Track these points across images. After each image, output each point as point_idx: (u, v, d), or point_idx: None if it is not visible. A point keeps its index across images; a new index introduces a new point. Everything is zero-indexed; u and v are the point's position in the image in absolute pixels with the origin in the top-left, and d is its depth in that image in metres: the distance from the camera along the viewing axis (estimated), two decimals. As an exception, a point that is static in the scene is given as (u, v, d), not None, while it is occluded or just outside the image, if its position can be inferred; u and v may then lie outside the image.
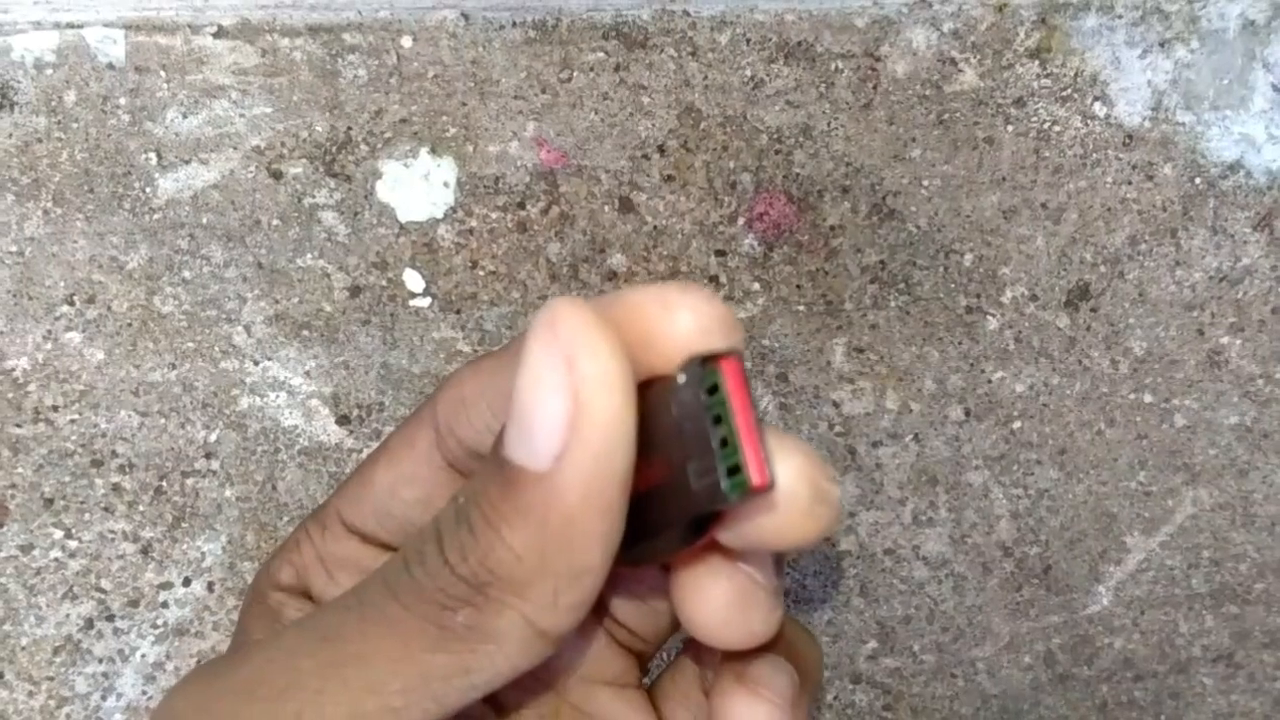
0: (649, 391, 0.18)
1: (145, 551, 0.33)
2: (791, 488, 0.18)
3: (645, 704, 0.24)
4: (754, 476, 0.17)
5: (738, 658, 0.22)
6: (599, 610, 0.24)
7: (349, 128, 0.32)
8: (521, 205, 0.33)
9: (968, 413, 0.34)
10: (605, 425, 0.17)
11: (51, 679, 0.33)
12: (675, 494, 0.18)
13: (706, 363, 0.18)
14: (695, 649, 0.24)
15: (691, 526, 0.19)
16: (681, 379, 0.18)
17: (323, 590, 0.23)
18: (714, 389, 0.17)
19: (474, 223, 0.33)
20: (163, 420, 0.33)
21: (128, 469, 0.33)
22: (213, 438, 0.33)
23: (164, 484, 0.33)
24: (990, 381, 0.34)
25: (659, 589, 0.23)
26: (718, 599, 0.20)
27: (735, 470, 0.17)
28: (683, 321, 0.18)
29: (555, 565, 0.18)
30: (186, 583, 0.33)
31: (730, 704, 0.21)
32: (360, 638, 0.19)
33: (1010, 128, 0.33)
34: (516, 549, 0.18)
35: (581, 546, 0.18)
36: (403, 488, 0.23)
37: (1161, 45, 0.33)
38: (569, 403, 0.17)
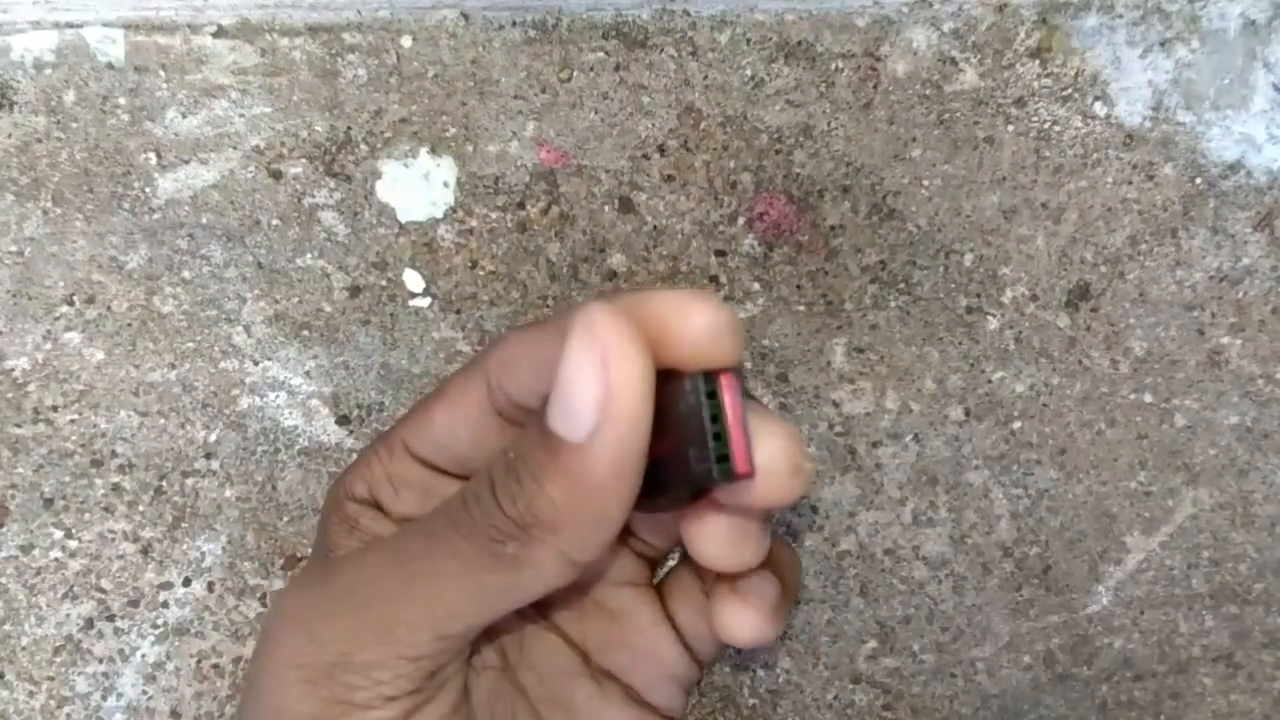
0: (664, 380, 0.22)
1: (145, 551, 0.33)
2: (773, 462, 0.23)
3: (654, 599, 0.30)
4: (739, 466, 0.22)
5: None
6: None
7: (349, 127, 0.32)
8: (521, 205, 0.33)
9: (968, 413, 0.34)
10: (629, 413, 0.21)
11: (52, 679, 0.33)
12: (680, 467, 0.23)
13: (710, 374, 0.22)
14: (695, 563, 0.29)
15: (691, 493, 0.24)
16: (689, 384, 0.22)
17: (390, 503, 0.28)
18: (713, 394, 0.22)
19: (474, 222, 0.33)
20: (162, 420, 0.33)
21: (127, 469, 0.33)
22: (213, 438, 0.33)
23: (164, 484, 0.33)
24: (990, 381, 0.34)
25: (668, 522, 0.28)
26: (718, 535, 0.25)
27: (724, 459, 0.22)
28: (695, 324, 0.22)
29: (586, 513, 0.22)
30: (186, 583, 0.33)
31: (726, 608, 0.27)
32: (430, 560, 0.24)
33: (1010, 127, 0.33)
34: (556, 499, 0.22)
35: (607, 500, 0.22)
36: (458, 427, 0.27)
37: (1162, 45, 0.33)
38: (602, 393, 0.21)
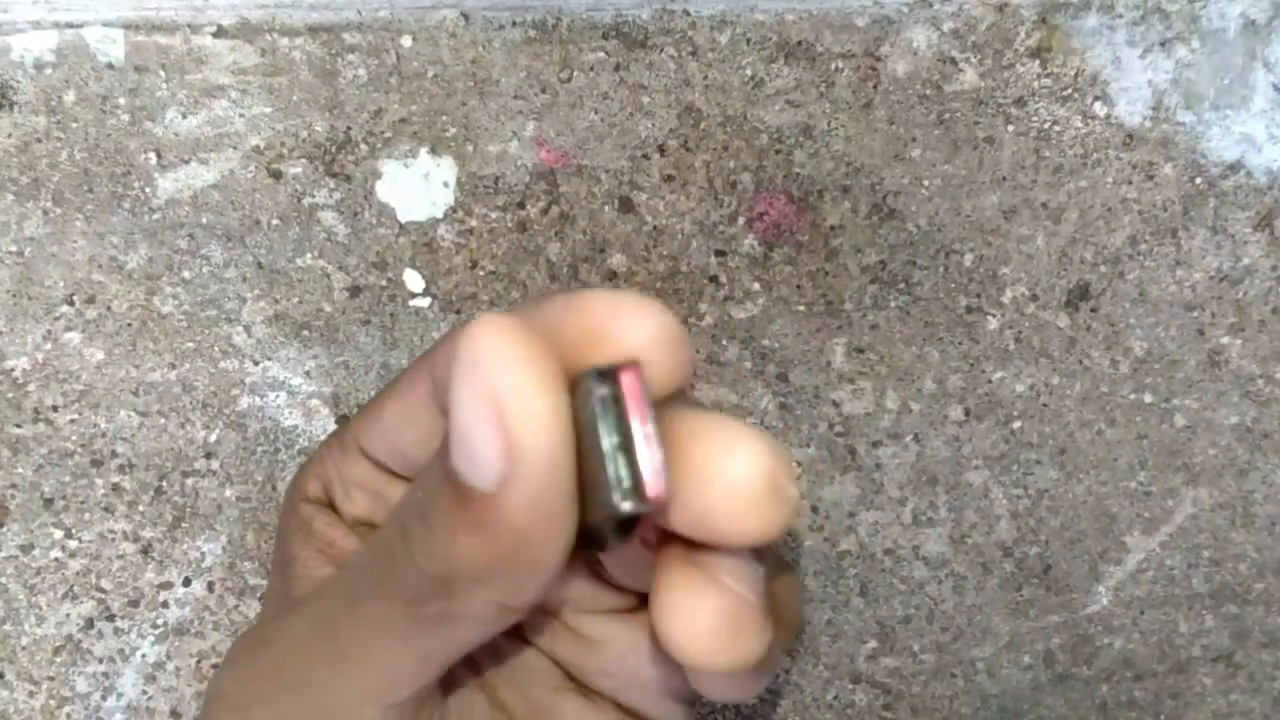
0: (580, 389, 0.18)
1: (145, 551, 0.33)
2: (746, 480, 0.18)
3: (638, 621, 0.25)
4: (650, 488, 0.18)
5: None
6: (589, 559, 0.25)
7: (348, 127, 0.32)
8: (521, 205, 0.33)
9: (968, 413, 0.34)
10: (539, 462, 0.17)
11: (52, 679, 0.33)
12: (598, 496, 0.18)
13: (605, 374, 0.18)
14: None
15: (618, 527, 0.19)
16: (584, 388, 0.18)
17: (342, 504, 0.26)
18: (617, 399, 0.18)
19: (474, 222, 0.33)
20: (162, 420, 0.33)
21: (128, 469, 0.33)
22: (213, 438, 0.33)
23: (164, 484, 0.33)
24: (990, 381, 0.34)
25: (641, 559, 0.23)
26: (701, 624, 0.19)
27: (635, 481, 0.18)
28: (630, 330, 0.19)
29: (513, 565, 0.19)
30: (187, 583, 0.33)
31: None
32: (355, 633, 0.22)
33: (1010, 127, 0.33)
34: (474, 551, 0.19)
35: (535, 551, 0.18)
36: (405, 428, 0.24)
37: (1162, 45, 0.33)
38: (502, 439, 0.17)
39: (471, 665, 0.26)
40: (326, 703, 0.22)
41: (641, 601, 0.25)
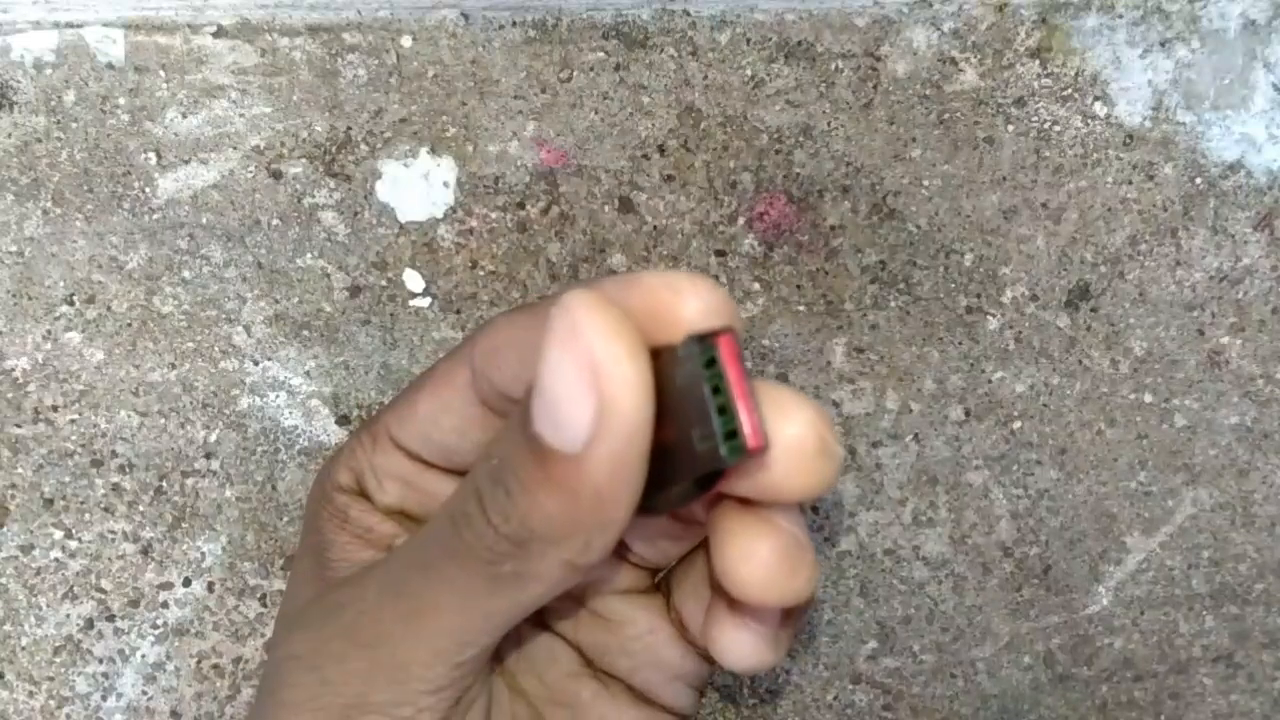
0: (657, 360, 0.20)
1: (145, 552, 0.33)
2: (798, 441, 0.21)
3: (652, 603, 0.27)
4: (749, 440, 0.20)
5: None
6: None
7: (349, 127, 0.32)
8: (521, 205, 0.33)
9: (968, 413, 0.34)
10: (628, 421, 0.19)
11: (52, 679, 0.33)
12: (683, 453, 0.20)
13: (704, 339, 0.20)
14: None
15: (699, 482, 0.21)
16: (684, 353, 0.20)
17: (375, 494, 0.27)
18: (712, 362, 0.20)
19: (474, 223, 0.33)
20: (163, 420, 0.33)
21: (128, 469, 0.33)
22: (213, 438, 0.33)
23: (164, 484, 0.33)
24: (990, 381, 0.34)
25: (666, 533, 0.26)
26: (763, 558, 0.22)
27: (732, 435, 0.20)
28: (688, 306, 0.21)
29: (586, 523, 0.20)
30: (186, 583, 0.33)
31: (722, 630, 0.24)
32: (427, 594, 0.23)
33: (1010, 127, 0.33)
34: (551, 512, 0.20)
35: (609, 509, 0.20)
36: (441, 417, 0.26)
37: (1162, 45, 0.33)
38: (595, 401, 0.19)
39: (494, 652, 0.27)
40: (398, 659, 0.23)
41: (654, 582, 0.28)
